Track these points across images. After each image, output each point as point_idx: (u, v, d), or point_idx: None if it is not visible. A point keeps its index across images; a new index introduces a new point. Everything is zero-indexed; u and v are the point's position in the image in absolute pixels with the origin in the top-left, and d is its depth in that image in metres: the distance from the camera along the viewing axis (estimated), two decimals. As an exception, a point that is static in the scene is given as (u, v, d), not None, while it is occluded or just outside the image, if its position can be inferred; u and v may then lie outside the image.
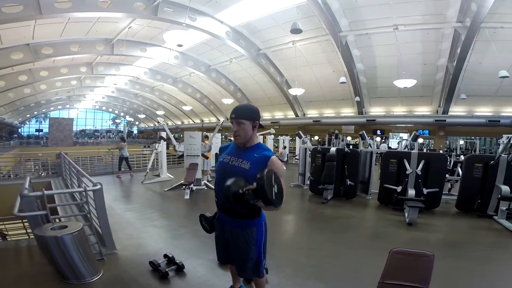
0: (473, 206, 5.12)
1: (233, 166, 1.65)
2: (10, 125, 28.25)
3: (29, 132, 36.57)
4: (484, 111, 14.29)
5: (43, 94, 22.84)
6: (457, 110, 14.72)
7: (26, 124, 36.36)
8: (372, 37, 11.85)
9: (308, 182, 6.96)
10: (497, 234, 4.11)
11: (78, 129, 38.75)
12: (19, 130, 33.96)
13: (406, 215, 4.77)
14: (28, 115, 32.91)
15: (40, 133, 35.08)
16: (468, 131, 16.01)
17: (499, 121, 13.75)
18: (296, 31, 8.28)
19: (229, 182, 1.44)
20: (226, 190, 1.42)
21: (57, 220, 4.42)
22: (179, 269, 2.83)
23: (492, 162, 4.93)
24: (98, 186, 3.09)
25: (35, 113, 32.86)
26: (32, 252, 3.32)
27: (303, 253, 3.35)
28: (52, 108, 33.82)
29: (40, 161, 13.43)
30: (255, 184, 1.35)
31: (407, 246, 3.63)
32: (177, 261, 2.88)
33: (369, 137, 7.26)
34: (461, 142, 17.51)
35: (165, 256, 3.00)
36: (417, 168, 5.18)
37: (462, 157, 9.17)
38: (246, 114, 1.66)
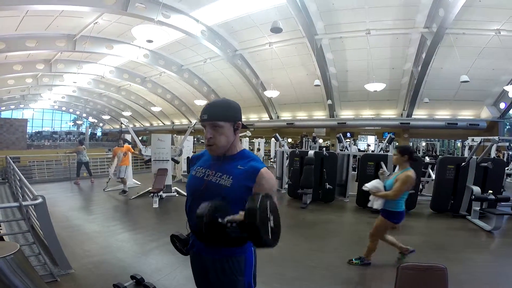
0: (447, 207, 5.26)
1: (210, 182, 1.24)
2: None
3: (-26, 134, 32.60)
4: (443, 114, 15.28)
5: (-9, 92, 20.47)
6: (419, 113, 15.60)
7: (-29, 125, 32.39)
8: (345, 41, 12.10)
9: (286, 186, 6.78)
10: (474, 234, 4.21)
11: (33, 131, 35.38)
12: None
13: (386, 217, 4.74)
14: (-27, 115, 29.37)
15: (-12, 135, 31.42)
16: (429, 133, 17.11)
17: (456, 123, 14.80)
18: (276, 30, 8.12)
19: (202, 206, 1.04)
20: (199, 219, 1.02)
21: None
22: (149, 293, 2.43)
23: (463, 164, 5.10)
24: (39, 200, 2.55)
25: (-18, 113, 29.53)
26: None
27: (289, 265, 3.09)
28: (3, 108, 30.53)
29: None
30: (242, 213, 0.98)
31: (393, 250, 3.54)
32: (148, 283, 2.48)
33: (346, 140, 7.28)
34: (423, 143, 18.66)
35: (133, 277, 2.58)
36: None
37: (427, 158, 9.63)
38: (223, 113, 1.22)
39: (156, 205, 5.69)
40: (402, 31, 11.02)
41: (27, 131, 26.15)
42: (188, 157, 9.46)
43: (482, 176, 5.06)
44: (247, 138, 13.94)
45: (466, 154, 6.89)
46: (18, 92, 23.17)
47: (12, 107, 31.07)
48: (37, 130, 36.76)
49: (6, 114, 32.21)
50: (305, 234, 4.22)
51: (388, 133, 15.72)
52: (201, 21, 11.61)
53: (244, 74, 15.60)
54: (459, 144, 17.37)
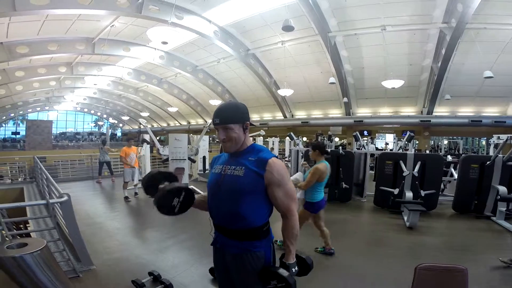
0: (470, 207, 5.04)
1: (226, 176, 1.35)
2: (-17, 128, 26.62)
3: (5, 135, 34.63)
4: (467, 111, 14.63)
5: (19, 95, 21.60)
6: (441, 111, 15.01)
7: (2, 126, 34.45)
8: (360, 37, 11.84)
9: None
10: (499, 236, 4.02)
11: (58, 132, 37.09)
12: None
13: (405, 218, 4.62)
14: (4, 117, 31.16)
15: (17, 136, 33.27)
16: (452, 131, 16.40)
17: (481, 121, 14.09)
18: (287, 28, 8.05)
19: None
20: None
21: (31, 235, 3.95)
22: (166, 289, 2.49)
23: (488, 162, 4.87)
24: (65, 198, 2.67)
25: (12, 115, 31.18)
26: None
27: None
28: (30, 110, 32.24)
29: (17, 165, 12.59)
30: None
31: (412, 251, 3.47)
32: (164, 280, 2.54)
33: (363, 139, 7.14)
34: (445, 142, 17.93)
35: (150, 273, 2.65)
36: (413, 170, 5.04)
37: (449, 157, 9.25)
38: (233, 116, 1.33)
39: (173, 204, 5.79)
40: (419, 26, 10.66)
41: (52, 132, 27.46)
42: (204, 156, 9.66)
43: (509, 176, 4.81)
44: (261, 137, 13.95)
45: (491, 152, 6.56)
46: (43, 95, 24.38)
47: (38, 109, 32.74)
48: (61, 131, 38.49)
49: (32, 116, 33.98)
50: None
51: (408, 131, 15.26)
52: (213, 21, 11.72)
53: (257, 73, 15.61)
54: (483, 142, 16.57)
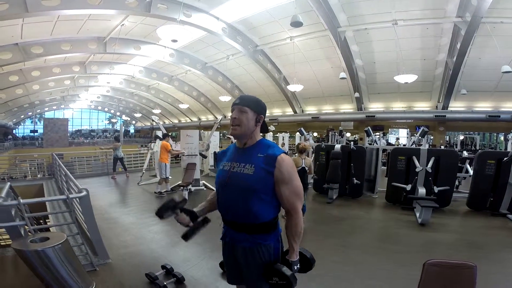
0: (486, 204, 4.92)
1: (235, 173, 1.36)
2: (4, 127, 27.66)
3: (24, 133, 35.96)
4: (484, 106, 14.18)
5: (36, 94, 22.33)
6: (456, 105, 14.59)
7: (21, 125, 35.76)
8: (370, 32, 11.61)
9: (312, 181, 6.72)
10: (515, 234, 3.90)
11: (73, 129, 38.20)
12: (14, 131, 33.35)
13: (417, 215, 4.55)
14: (22, 116, 32.29)
15: (35, 134, 34.50)
16: (468, 126, 15.93)
17: (499, 116, 13.66)
18: (296, 24, 7.97)
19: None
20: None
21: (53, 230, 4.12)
22: (179, 282, 2.58)
23: (505, 159, 4.72)
24: (84, 193, 2.76)
25: (29, 114, 32.30)
26: (18, 262, 3.05)
27: (313, 260, 3.10)
28: (46, 109, 33.28)
29: (36, 162, 13.07)
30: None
31: (424, 248, 3.44)
32: (176, 273, 2.62)
33: (375, 134, 7.04)
34: (461, 137, 17.40)
35: (163, 267, 2.74)
36: (427, 166, 4.95)
37: (465, 153, 8.99)
38: (251, 103, 1.40)
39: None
40: (432, 21, 10.39)
41: (68, 129, 28.31)
42: (214, 152, 9.76)
43: (527, 172, 4.65)
44: (271, 133, 13.93)
45: (509, 148, 6.35)
46: (58, 94, 25.12)
47: (54, 107, 33.78)
48: (77, 129, 39.62)
49: (49, 114, 35.10)
50: (330, 229, 4.18)
51: (422, 126, 14.93)
52: (221, 18, 11.74)
53: (266, 69, 15.58)
54: (501, 138, 16.02)
